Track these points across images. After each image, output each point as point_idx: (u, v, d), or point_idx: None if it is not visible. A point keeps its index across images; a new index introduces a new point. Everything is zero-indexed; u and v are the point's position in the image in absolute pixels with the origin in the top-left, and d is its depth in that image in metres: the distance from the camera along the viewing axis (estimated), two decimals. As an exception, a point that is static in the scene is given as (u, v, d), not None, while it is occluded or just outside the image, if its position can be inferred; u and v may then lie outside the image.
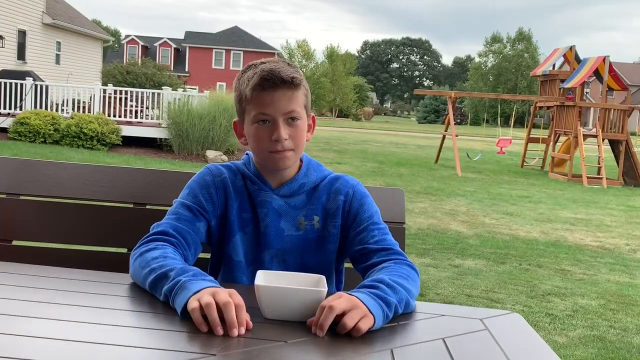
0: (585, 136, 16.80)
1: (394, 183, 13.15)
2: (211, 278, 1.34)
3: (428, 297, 5.11)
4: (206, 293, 1.24)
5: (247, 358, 1.10)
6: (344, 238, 1.66)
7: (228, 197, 1.63)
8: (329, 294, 1.30)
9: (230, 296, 1.23)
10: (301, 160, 1.69)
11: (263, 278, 1.34)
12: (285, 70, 1.57)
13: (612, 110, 16.94)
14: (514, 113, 25.00)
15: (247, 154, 1.72)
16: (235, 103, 1.66)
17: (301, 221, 1.65)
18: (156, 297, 1.37)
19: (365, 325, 1.23)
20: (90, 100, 17.08)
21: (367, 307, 1.25)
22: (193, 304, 1.22)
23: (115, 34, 78.53)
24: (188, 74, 53.25)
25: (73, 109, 16.75)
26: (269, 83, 1.55)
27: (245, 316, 1.21)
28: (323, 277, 1.38)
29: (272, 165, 1.62)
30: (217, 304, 1.20)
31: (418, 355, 1.19)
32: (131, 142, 16.11)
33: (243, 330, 1.19)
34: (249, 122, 1.61)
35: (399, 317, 1.37)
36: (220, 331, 1.18)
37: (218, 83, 45.73)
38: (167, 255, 1.44)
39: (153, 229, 1.56)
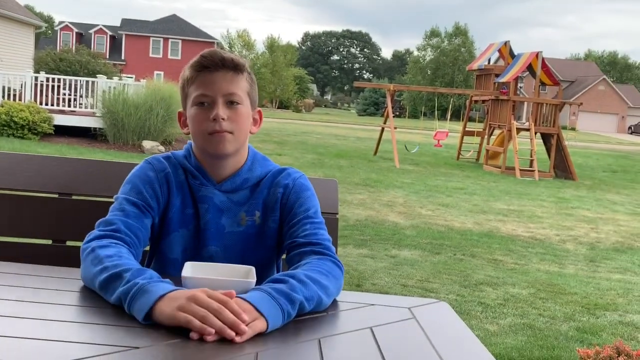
0: (519, 130, 17.27)
1: (333, 174, 13.22)
2: (167, 280, 1.26)
3: (364, 288, 5.16)
4: (182, 298, 1.16)
5: (171, 351, 1.08)
6: (280, 232, 1.63)
7: (170, 194, 1.58)
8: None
9: (208, 295, 1.17)
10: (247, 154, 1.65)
11: (191, 270, 1.32)
12: (228, 55, 1.57)
13: (545, 104, 17.46)
14: (450, 106, 25.44)
15: (188, 143, 1.67)
16: (180, 92, 1.63)
17: (242, 217, 1.61)
18: (105, 298, 1.29)
19: (253, 330, 1.15)
20: (22, 88, 16.50)
21: (258, 309, 1.18)
22: (176, 313, 1.15)
23: (49, 20, 76.03)
24: (124, 63, 52.05)
25: (3, 96, 16.14)
26: (209, 61, 1.55)
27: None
28: (252, 268, 1.37)
29: (211, 149, 1.56)
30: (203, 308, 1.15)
31: (345, 344, 1.19)
32: (64, 132, 15.64)
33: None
34: (190, 106, 1.58)
35: (328, 308, 1.37)
36: (212, 336, 1.12)
37: (155, 72, 44.86)
38: (121, 254, 1.37)
39: (100, 225, 1.48)
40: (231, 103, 1.55)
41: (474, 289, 5.46)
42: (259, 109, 1.67)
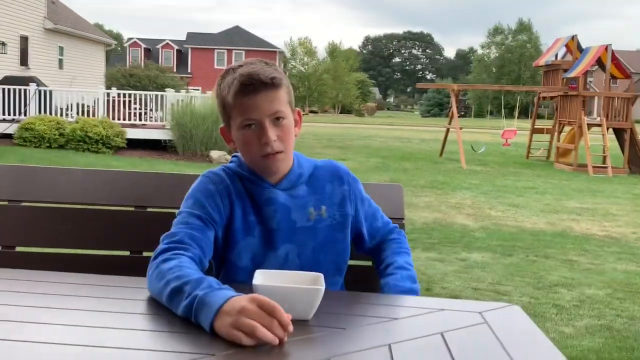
0: (590, 125, 16.75)
1: (398, 178, 13.14)
2: (227, 286, 1.28)
3: (434, 292, 5.11)
4: (234, 312, 1.18)
5: (245, 358, 1.11)
6: (351, 224, 1.70)
7: (232, 205, 1.60)
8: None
9: (258, 305, 1.18)
10: None
11: (261, 277, 1.35)
12: (264, 71, 1.54)
13: (616, 98, 16.88)
14: (517, 104, 24.90)
15: (235, 155, 1.69)
16: (218, 109, 1.63)
17: (311, 212, 1.64)
18: (173, 312, 1.30)
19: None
20: (94, 104, 17.14)
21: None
22: (229, 331, 1.16)
23: (118, 37, 78.62)
24: (191, 75, 53.29)
25: (77, 113, 16.80)
26: (250, 88, 1.52)
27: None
28: (321, 275, 1.39)
29: (265, 172, 1.61)
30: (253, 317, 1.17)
31: (416, 350, 1.19)
32: (136, 145, 16.16)
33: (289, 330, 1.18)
34: (235, 129, 1.58)
35: (398, 312, 1.38)
36: (270, 335, 1.14)
37: (221, 83, 45.64)
38: (182, 265, 1.38)
39: (165, 238, 1.50)
40: (277, 119, 1.56)
41: (548, 290, 5.33)
42: (297, 109, 1.66)
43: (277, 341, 1.15)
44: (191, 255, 1.45)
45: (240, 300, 1.20)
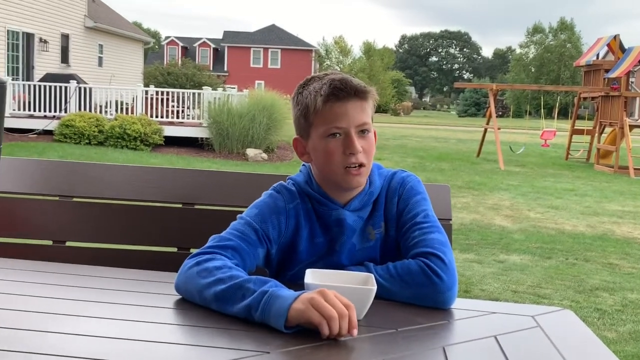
0: (632, 127, 16.40)
1: (435, 178, 13.05)
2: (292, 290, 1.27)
3: (473, 294, 5.06)
4: (316, 293, 1.19)
5: (300, 356, 1.11)
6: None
7: (299, 225, 1.54)
8: None
9: (337, 297, 1.19)
10: None
11: (312, 277, 1.35)
12: (356, 80, 1.50)
13: (660, 99, 16.51)
14: (557, 104, 24.57)
15: (304, 165, 1.62)
16: (296, 119, 1.55)
17: (370, 231, 1.58)
18: (219, 309, 1.29)
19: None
20: (133, 101, 17.38)
21: None
22: (309, 309, 1.17)
23: (156, 35, 79.60)
24: (227, 74, 53.68)
25: (116, 110, 17.06)
26: (343, 94, 1.47)
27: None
28: (371, 276, 1.38)
29: (345, 184, 1.52)
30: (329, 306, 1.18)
31: (471, 352, 1.18)
32: (173, 142, 16.33)
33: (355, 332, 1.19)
34: (318, 137, 1.50)
35: (447, 315, 1.37)
36: (336, 327, 1.16)
37: (257, 81, 45.99)
38: (231, 266, 1.36)
39: (215, 239, 1.47)
40: (362, 132, 1.50)
41: (589, 294, 5.24)
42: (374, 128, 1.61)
43: (341, 337, 1.16)
44: (236, 262, 1.43)
45: (318, 289, 1.21)
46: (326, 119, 1.48)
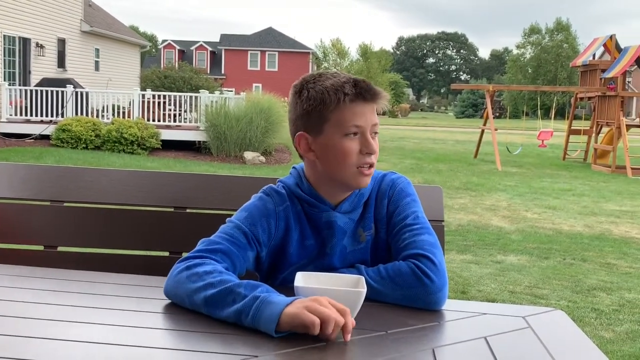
0: (629, 126, 16.42)
1: (433, 179, 13.05)
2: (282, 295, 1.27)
3: (470, 295, 5.06)
4: (308, 300, 1.19)
5: (289, 359, 1.10)
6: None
7: (288, 228, 1.54)
8: None
9: (330, 303, 1.20)
10: None
11: (302, 279, 1.35)
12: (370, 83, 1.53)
13: (656, 99, 16.53)
14: (554, 105, 24.54)
15: (294, 168, 1.62)
16: (304, 114, 1.51)
17: (360, 233, 1.58)
18: (209, 313, 1.29)
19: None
20: (130, 105, 17.36)
21: None
22: (302, 311, 1.17)
23: (152, 39, 79.61)
24: (224, 77, 53.69)
25: (113, 114, 17.04)
26: (368, 95, 1.47)
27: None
28: (362, 278, 1.38)
29: (355, 183, 1.51)
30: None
31: (460, 354, 1.18)
32: (170, 146, 16.32)
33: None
34: (333, 134, 1.49)
35: (439, 317, 1.36)
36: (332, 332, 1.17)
37: (254, 84, 46.02)
38: (221, 271, 1.35)
39: (204, 243, 1.46)
40: (374, 133, 1.51)
41: (587, 294, 5.23)
42: None
43: (332, 340, 1.17)
44: (226, 266, 1.42)
45: (312, 297, 1.22)
46: (347, 117, 1.47)
